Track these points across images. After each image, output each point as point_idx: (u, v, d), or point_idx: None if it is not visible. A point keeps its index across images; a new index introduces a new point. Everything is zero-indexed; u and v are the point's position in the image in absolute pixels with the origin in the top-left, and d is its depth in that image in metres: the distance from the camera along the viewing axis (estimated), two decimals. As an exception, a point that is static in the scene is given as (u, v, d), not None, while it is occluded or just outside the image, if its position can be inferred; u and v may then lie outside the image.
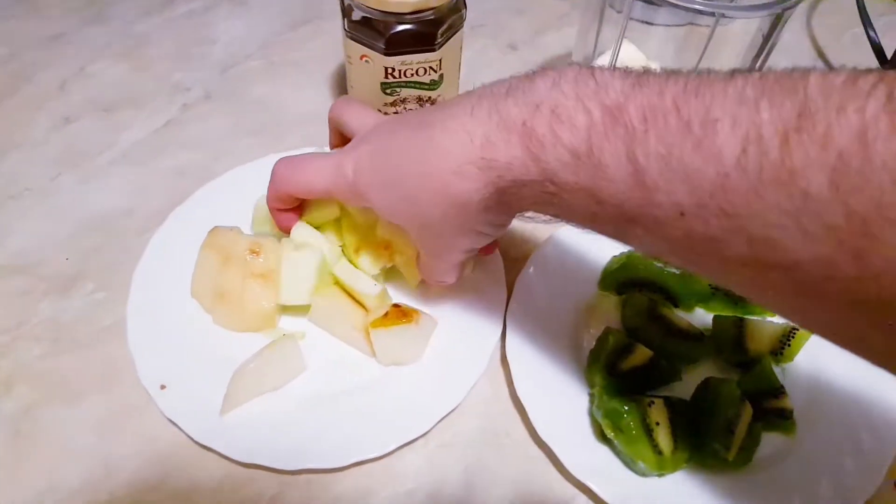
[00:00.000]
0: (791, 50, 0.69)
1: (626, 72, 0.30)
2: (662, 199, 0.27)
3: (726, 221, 0.25)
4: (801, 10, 0.72)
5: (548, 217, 0.35)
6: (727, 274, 0.27)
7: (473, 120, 0.33)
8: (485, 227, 0.38)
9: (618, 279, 0.49)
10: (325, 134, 0.57)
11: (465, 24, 0.68)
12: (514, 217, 0.38)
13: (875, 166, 0.21)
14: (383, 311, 0.45)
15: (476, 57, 0.66)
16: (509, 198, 0.34)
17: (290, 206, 0.46)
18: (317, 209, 0.46)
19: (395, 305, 0.45)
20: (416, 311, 0.45)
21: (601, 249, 0.50)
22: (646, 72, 0.29)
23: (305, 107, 0.61)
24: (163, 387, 0.43)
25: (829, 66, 0.67)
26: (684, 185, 0.26)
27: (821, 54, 0.68)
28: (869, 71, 0.23)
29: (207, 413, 0.43)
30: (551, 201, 0.32)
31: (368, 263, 0.46)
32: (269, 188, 0.45)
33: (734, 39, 0.49)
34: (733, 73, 0.27)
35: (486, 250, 0.47)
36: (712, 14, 0.40)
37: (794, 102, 0.23)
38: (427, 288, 0.48)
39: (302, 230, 0.46)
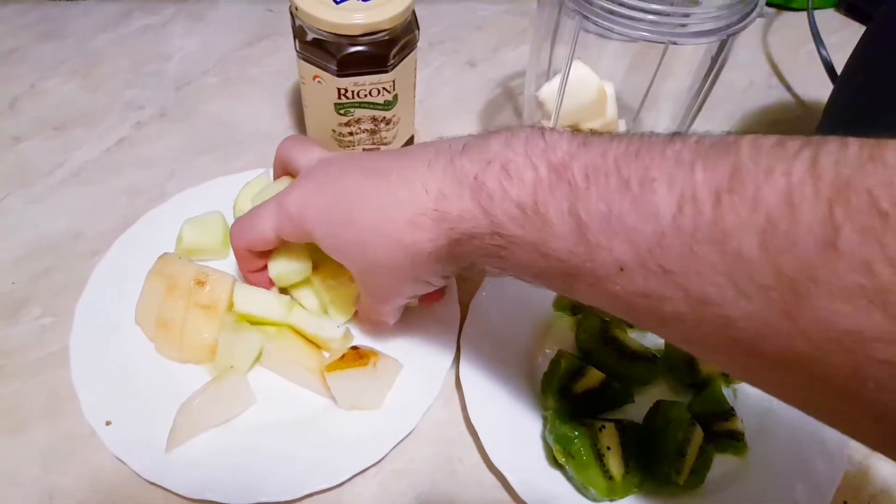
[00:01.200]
0: (747, 66, 0.69)
1: (575, 133, 0.31)
2: (604, 256, 0.28)
3: (664, 278, 0.26)
4: (756, 26, 0.73)
5: (496, 272, 0.35)
6: (667, 329, 0.28)
7: (430, 172, 0.34)
8: (432, 277, 0.39)
9: (572, 299, 0.49)
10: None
11: (424, 41, 0.68)
12: (462, 269, 0.38)
13: (801, 230, 0.22)
14: (340, 354, 0.44)
15: (435, 74, 0.66)
16: (460, 249, 0.35)
17: (258, 265, 0.46)
18: (284, 261, 0.45)
19: (353, 347, 0.44)
20: (374, 353, 0.44)
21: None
22: (593, 133, 0.31)
23: (261, 124, 0.60)
24: (108, 423, 0.42)
25: (784, 82, 0.68)
26: (624, 242, 0.27)
27: (776, 70, 0.69)
28: (796, 137, 0.24)
29: (154, 448, 0.42)
30: (499, 254, 0.33)
31: (335, 313, 0.47)
32: (238, 263, 0.46)
33: (686, 59, 0.49)
34: (673, 136, 0.28)
35: (432, 297, 0.47)
36: (661, 42, 0.41)
37: (727, 164, 0.24)
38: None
39: (244, 300, 0.46)
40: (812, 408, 0.26)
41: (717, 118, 0.65)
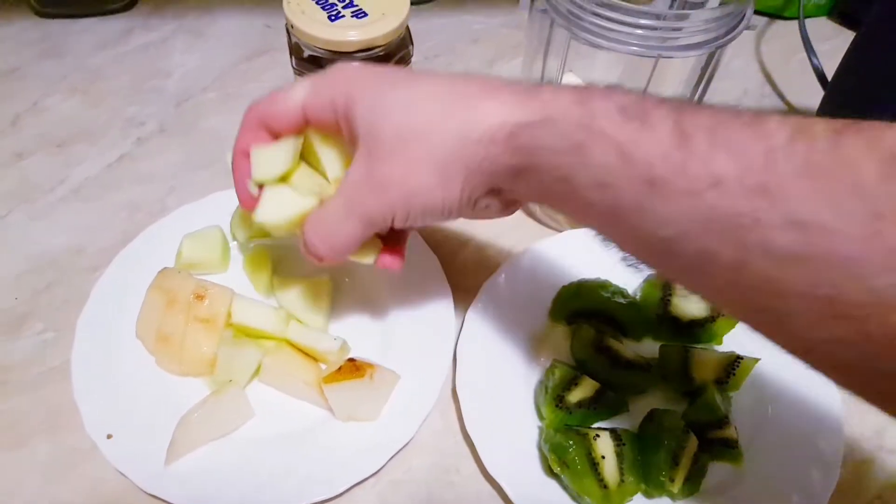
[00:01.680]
0: (740, 75, 0.70)
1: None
2: (699, 167, 0.26)
3: (762, 198, 0.25)
4: (749, 36, 0.74)
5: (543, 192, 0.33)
6: (730, 263, 0.26)
7: (513, 94, 0.32)
8: (456, 183, 0.34)
9: (568, 309, 0.50)
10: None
11: (420, 54, 0.69)
12: (504, 189, 0.34)
13: None
14: (337, 366, 0.44)
15: (431, 86, 0.67)
16: (527, 142, 0.31)
17: (261, 139, 0.39)
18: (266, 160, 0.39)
19: (350, 360, 0.45)
20: (370, 365, 0.44)
21: (552, 280, 0.51)
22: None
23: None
24: (109, 436, 0.43)
25: (777, 90, 0.68)
26: (727, 155, 0.26)
27: (769, 79, 0.70)
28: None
29: (154, 461, 0.42)
30: (571, 154, 0.30)
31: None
32: (238, 132, 0.40)
33: (677, 69, 0.50)
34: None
35: (393, 252, 0.42)
36: (649, 56, 0.41)
37: (838, 120, 0.25)
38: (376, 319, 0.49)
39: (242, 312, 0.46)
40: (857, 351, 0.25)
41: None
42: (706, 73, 0.44)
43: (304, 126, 0.38)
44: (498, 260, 0.53)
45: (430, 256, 0.52)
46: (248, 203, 0.40)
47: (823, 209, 0.24)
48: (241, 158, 0.40)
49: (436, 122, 0.32)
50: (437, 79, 0.34)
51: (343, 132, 0.36)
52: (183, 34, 0.70)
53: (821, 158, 0.24)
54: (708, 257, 0.27)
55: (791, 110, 0.67)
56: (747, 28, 0.42)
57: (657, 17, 0.39)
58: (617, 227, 0.31)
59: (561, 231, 0.56)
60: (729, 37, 0.41)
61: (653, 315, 0.49)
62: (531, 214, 0.57)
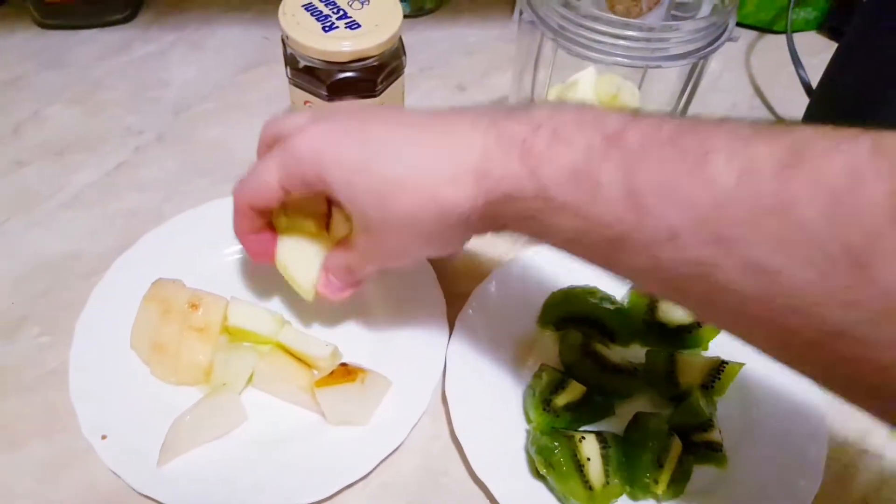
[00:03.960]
0: (730, 88, 0.71)
1: (622, 110, 0.31)
2: (655, 223, 0.28)
3: (719, 246, 0.26)
4: (739, 48, 0.75)
5: (529, 237, 0.35)
6: (709, 301, 0.28)
7: (474, 132, 0.34)
8: (453, 240, 0.38)
9: (556, 315, 0.50)
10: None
11: (415, 66, 0.70)
12: (490, 231, 0.37)
13: (866, 202, 0.23)
14: (330, 371, 0.45)
15: (425, 97, 0.68)
16: (497, 210, 0.34)
17: (256, 224, 0.44)
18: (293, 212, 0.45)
19: (343, 364, 0.45)
20: (362, 369, 0.45)
21: (541, 287, 0.52)
22: (640, 111, 0.31)
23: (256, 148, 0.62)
24: (104, 437, 0.44)
25: (766, 103, 0.70)
26: (678, 209, 0.27)
27: (758, 91, 0.71)
28: (851, 128, 0.25)
29: (148, 462, 0.43)
30: (539, 217, 0.32)
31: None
32: (233, 217, 0.44)
33: (664, 78, 0.51)
34: (724, 118, 0.29)
35: (337, 289, 0.46)
36: (635, 66, 0.42)
37: (787, 140, 0.25)
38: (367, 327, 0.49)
39: (238, 315, 0.47)
40: (853, 384, 0.26)
41: (700, 138, 0.66)
42: (690, 83, 0.45)
43: (288, 198, 0.41)
44: (489, 267, 0.54)
45: (424, 265, 0.53)
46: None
47: (776, 253, 0.25)
48: (244, 237, 0.45)
49: (413, 213, 0.35)
50: (401, 152, 0.36)
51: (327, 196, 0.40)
52: (182, 45, 0.72)
53: (768, 202, 0.25)
54: (679, 292, 0.30)
55: (779, 121, 0.68)
56: (730, 39, 0.43)
57: (641, 28, 0.40)
58: (595, 264, 0.33)
59: (551, 239, 0.56)
60: (712, 48, 0.42)
61: (640, 321, 0.50)
62: (522, 223, 0.58)
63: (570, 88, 0.49)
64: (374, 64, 0.50)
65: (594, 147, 0.30)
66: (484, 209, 0.34)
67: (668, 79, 0.49)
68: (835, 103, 0.48)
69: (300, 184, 0.39)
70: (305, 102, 0.51)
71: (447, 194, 0.34)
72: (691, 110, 0.67)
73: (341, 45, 0.48)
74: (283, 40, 0.50)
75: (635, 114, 0.31)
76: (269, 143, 0.42)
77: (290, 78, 0.51)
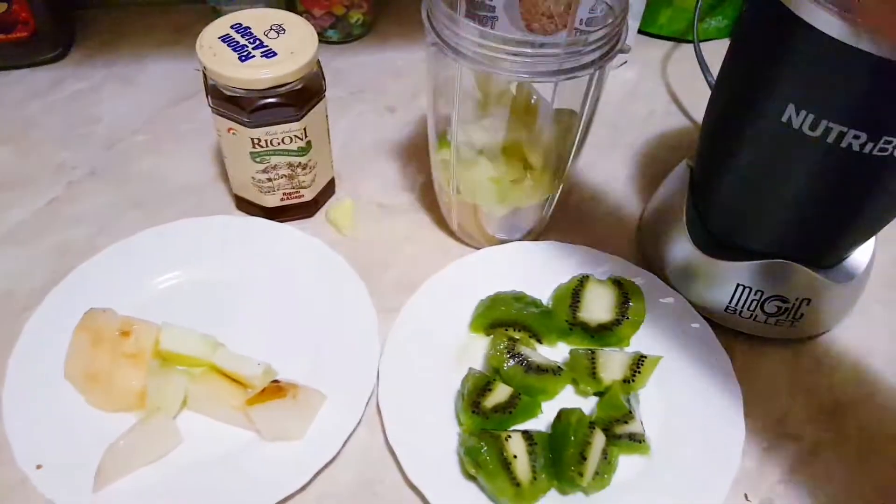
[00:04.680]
0: (648, 96, 0.75)
1: None
2: None
3: None
4: (655, 59, 0.79)
5: None
6: None
7: None
8: None
9: (486, 321, 0.52)
10: (205, 205, 0.60)
11: (345, 90, 0.72)
12: None
13: None
14: (261, 389, 0.46)
15: (356, 120, 0.70)
16: None
17: None
18: None
19: (274, 381, 0.46)
20: (294, 386, 0.46)
21: (471, 294, 0.54)
22: None
23: (188, 177, 0.63)
24: (39, 466, 0.44)
25: (682, 109, 0.73)
26: None
27: (674, 98, 0.74)
28: None
29: (84, 489, 0.43)
30: None
31: None
32: None
33: (572, 89, 0.53)
34: None
35: None
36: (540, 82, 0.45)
37: None
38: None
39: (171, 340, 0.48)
40: None
41: (621, 144, 0.69)
42: (590, 93, 0.48)
43: None
44: (421, 279, 0.55)
45: (357, 281, 0.54)
46: None
47: None
48: None
49: None
50: None
51: None
52: (113, 81, 0.73)
53: None
54: None
55: (696, 127, 0.71)
56: (621, 52, 0.45)
57: (532, 45, 0.42)
58: None
59: (479, 248, 0.58)
60: (607, 58, 0.45)
61: (564, 322, 0.52)
62: (452, 234, 0.60)
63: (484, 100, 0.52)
64: (295, 89, 0.51)
65: None
66: None
67: (575, 90, 0.51)
68: (724, 104, 0.51)
69: None
70: (229, 130, 0.53)
71: None
72: (610, 118, 0.70)
73: (260, 73, 0.49)
74: (203, 72, 0.51)
75: None
76: None
77: (212, 107, 0.52)
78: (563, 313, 0.52)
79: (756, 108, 0.45)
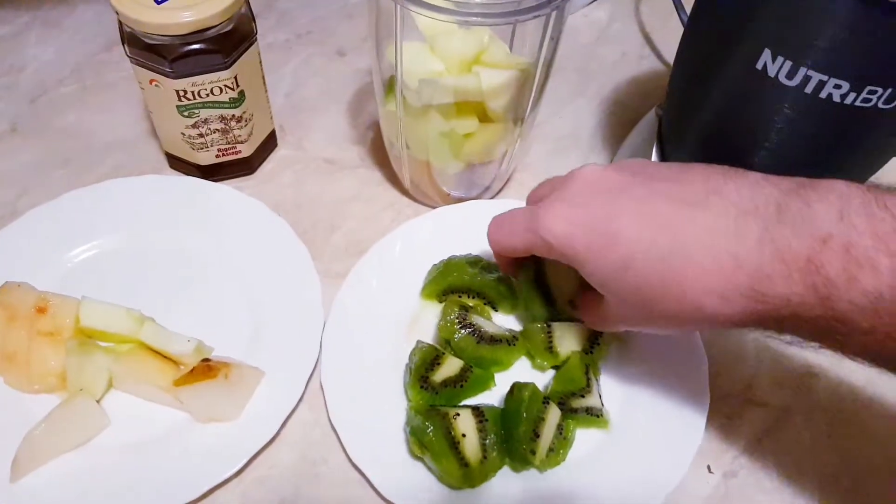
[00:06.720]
0: (619, 38, 0.70)
1: None
2: None
3: None
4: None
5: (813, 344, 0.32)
6: None
7: (739, 244, 0.31)
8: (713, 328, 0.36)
9: (438, 288, 0.49)
10: (136, 162, 0.55)
11: (291, 32, 0.66)
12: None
13: None
14: (192, 367, 0.43)
15: (303, 65, 0.65)
16: (778, 325, 0.31)
17: (511, 264, 0.45)
18: None
19: (204, 360, 0.43)
20: (225, 364, 0.43)
21: (424, 258, 0.50)
22: None
23: (118, 132, 0.58)
24: None
25: (656, 51, 0.68)
26: None
27: (647, 40, 0.70)
28: None
29: (4, 478, 0.40)
30: (836, 338, 0.30)
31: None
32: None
33: (530, 33, 0.48)
34: None
35: None
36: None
37: None
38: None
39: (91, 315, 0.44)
40: None
41: (589, 91, 0.65)
42: (547, 35, 0.43)
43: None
44: (370, 242, 0.51)
45: (299, 246, 0.50)
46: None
47: None
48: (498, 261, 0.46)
49: (675, 314, 0.34)
50: (662, 259, 0.33)
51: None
52: (38, 26, 0.66)
53: None
54: None
55: (669, 69, 0.67)
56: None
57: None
58: None
59: (434, 207, 0.54)
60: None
61: (518, 292, 0.48)
62: (405, 192, 0.56)
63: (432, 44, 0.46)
64: (221, 33, 0.46)
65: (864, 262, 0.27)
66: (758, 320, 0.32)
67: (535, 33, 0.47)
68: (693, 42, 0.46)
69: (546, 254, 0.38)
70: (151, 82, 0.48)
71: (714, 307, 0.32)
72: (578, 63, 0.65)
73: (179, 16, 0.44)
74: (118, 19, 0.46)
75: None
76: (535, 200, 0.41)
77: (129, 56, 0.47)
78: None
79: (729, 54, 0.41)
